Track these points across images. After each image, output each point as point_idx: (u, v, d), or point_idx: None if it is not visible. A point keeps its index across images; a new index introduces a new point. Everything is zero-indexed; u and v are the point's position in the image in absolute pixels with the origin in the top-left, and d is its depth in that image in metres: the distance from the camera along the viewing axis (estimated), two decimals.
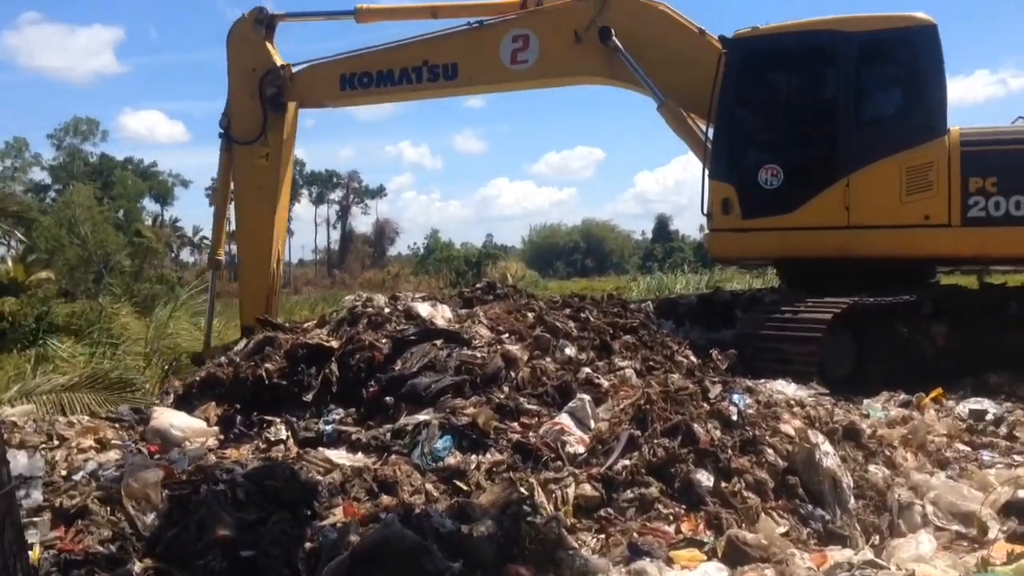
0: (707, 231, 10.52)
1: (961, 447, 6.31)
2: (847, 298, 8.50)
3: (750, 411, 5.72)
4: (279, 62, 11.46)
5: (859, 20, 9.74)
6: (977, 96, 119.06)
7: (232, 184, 11.81)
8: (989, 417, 6.99)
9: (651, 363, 7.02)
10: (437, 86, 11.25)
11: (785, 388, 6.86)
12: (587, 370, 6.40)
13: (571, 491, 4.80)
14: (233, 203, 12.01)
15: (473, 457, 5.17)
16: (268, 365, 6.53)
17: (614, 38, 10.34)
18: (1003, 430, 6.68)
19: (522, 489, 4.71)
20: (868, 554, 4.49)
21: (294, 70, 11.52)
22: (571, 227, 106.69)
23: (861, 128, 9.60)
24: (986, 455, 6.14)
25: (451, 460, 5.14)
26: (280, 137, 11.53)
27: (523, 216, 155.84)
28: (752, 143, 10.14)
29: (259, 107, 11.37)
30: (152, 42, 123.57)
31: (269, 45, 11.60)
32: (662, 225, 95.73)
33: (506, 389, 6.02)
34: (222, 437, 5.96)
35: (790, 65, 10.17)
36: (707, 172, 10.09)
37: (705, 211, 10.15)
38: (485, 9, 11.18)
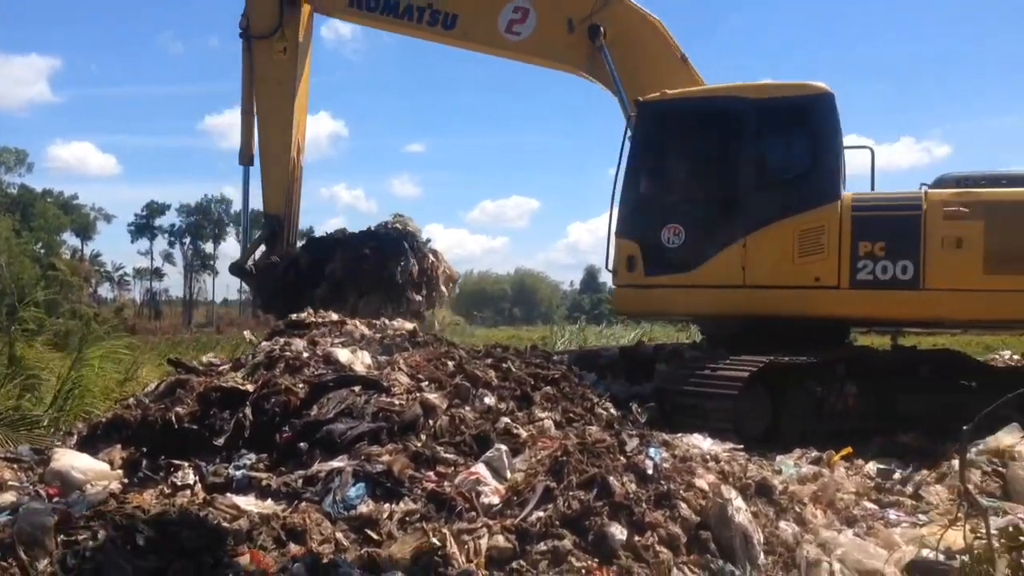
0: (612, 286, 10.79)
1: (869, 505, 6.42)
2: (764, 357, 8.68)
3: (666, 465, 5.75)
4: None
5: (761, 87, 10.28)
6: (901, 162, 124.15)
7: (255, 81, 12.15)
8: (896, 476, 7.16)
9: (571, 415, 7.03)
10: (433, 32, 11.70)
11: (701, 442, 6.94)
12: (506, 420, 6.35)
13: (484, 542, 4.74)
14: (255, 98, 12.25)
15: (386, 506, 5.08)
16: (179, 408, 6.34)
17: (601, 38, 10.84)
18: (909, 489, 6.83)
19: (434, 539, 4.64)
20: None
21: None
22: (502, 275, 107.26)
23: (758, 191, 9.91)
24: (892, 514, 6.26)
25: (363, 508, 5.05)
26: (296, 32, 11.92)
27: (455, 263, 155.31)
28: (656, 202, 10.41)
29: (276, 3, 11.74)
30: (90, 74, 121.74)
31: None
32: (591, 276, 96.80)
33: (423, 437, 5.94)
34: (126, 481, 5.76)
35: (694, 128, 10.52)
36: (613, 228, 10.43)
37: (610, 267, 10.55)
38: None
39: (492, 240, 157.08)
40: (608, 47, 10.89)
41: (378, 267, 11.86)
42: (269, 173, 12.35)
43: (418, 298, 12.16)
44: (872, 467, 7.39)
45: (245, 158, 12.58)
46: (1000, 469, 6.94)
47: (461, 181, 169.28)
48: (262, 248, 12.76)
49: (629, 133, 10.48)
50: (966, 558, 4.56)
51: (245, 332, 8.31)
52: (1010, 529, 4.59)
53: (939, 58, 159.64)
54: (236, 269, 12.91)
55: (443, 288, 12.61)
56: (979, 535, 4.43)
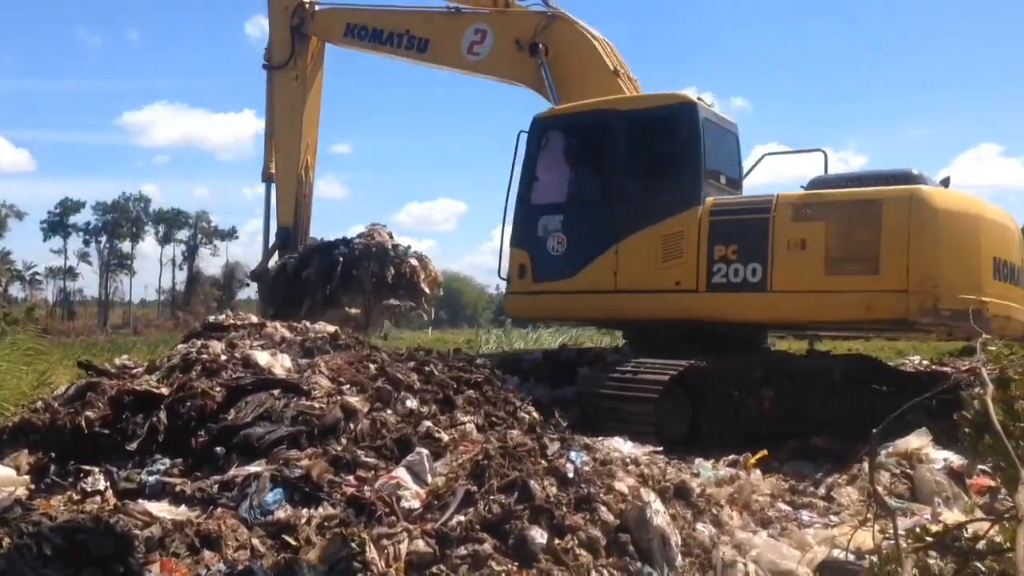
0: (505, 293, 11.56)
1: (783, 507, 6.57)
2: (683, 361, 8.81)
3: (586, 468, 5.79)
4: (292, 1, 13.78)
5: (632, 99, 10.77)
6: (818, 172, 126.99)
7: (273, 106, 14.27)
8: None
9: (493, 419, 7.03)
10: (410, 55, 13.07)
11: (622, 446, 7.00)
12: (428, 424, 6.32)
13: (404, 547, 4.71)
14: (274, 123, 14.38)
15: (304, 511, 5.01)
16: (89, 412, 6.13)
17: (540, 55, 11.52)
18: (822, 491, 7.01)
19: (353, 545, 4.60)
20: None
21: (317, 8, 13.88)
22: None
23: (628, 199, 10.25)
24: (805, 515, 6.41)
25: (281, 514, 4.97)
26: (306, 61, 13.92)
27: None
28: (544, 213, 10.89)
29: (290, 37, 13.77)
30: (3, 66, 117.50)
31: None
32: None
33: (344, 441, 5.87)
34: (33, 487, 5.55)
35: (575, 141, 11.06)
36: (507, 239, 11.13)
37: (503, 276, 11.31)
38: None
39: (419, 243, 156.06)
40: (549, 64, 11.46)
41: (346, 273, 13.08)
42: (281, 189, 14.16)
43: (394, 301, 13.21)
44: (787, 469, 7.56)
45: (266, 175, 14.45)
46: (908, 471, 7.16)
47: (387, 183, 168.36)
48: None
49: (522, 147, 11.01)
50: (875, 558, 4.68)
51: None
52: (917, 530, 4.71)
53: (857, 71, 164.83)
54: (254, 276, 14.67)
55: (427, 290, 13.74)
56: (887, 535, 4.55)
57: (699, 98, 10.24)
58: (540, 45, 11.51)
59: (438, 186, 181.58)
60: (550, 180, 11.07)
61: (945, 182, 9.97)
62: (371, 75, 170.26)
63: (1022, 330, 9.54)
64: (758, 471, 7.44)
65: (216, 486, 5.29)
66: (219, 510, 4.99)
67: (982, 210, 9.24)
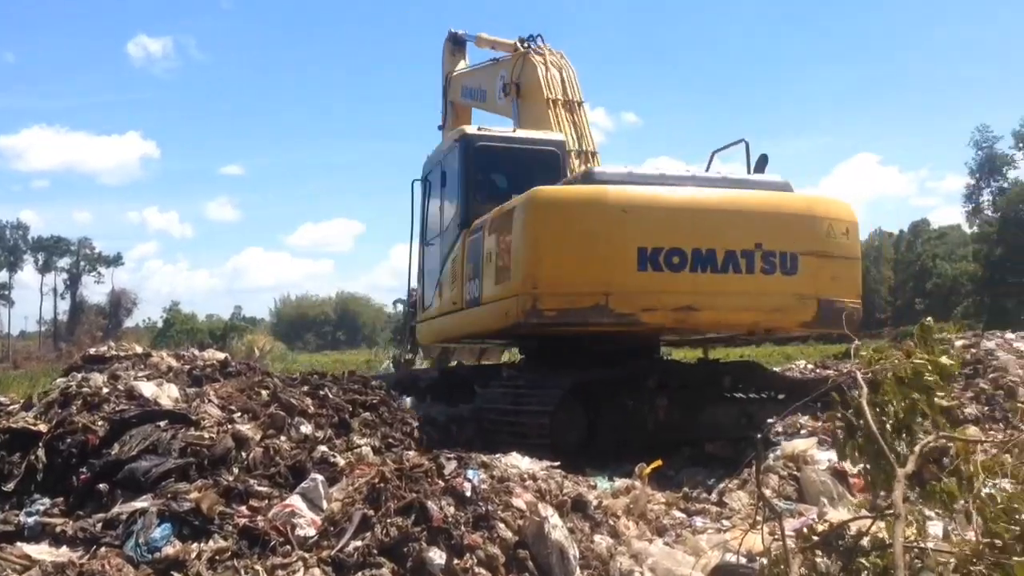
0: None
1: (677, 514, 6.69)
2: (577, 373, 8.91)
3: (484, 486, 5.78)
4: (448, 70, 16.22)
5: (448, 137, 12.09)
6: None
7: None
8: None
9: (390, 440, 6.98)
10: (480, 105, 15.16)
11: (519, 461, 7.01)
12: (323, 448, 6.24)
13: None
14: None
15: (194, 546, 4.85)
16: None
17: (512, 93, 13.07)
18: (714, 497, 7.18)
19: None
20: None
21: (453, 75, 16.17)
22: (324, 299, 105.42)
23: (446, 232, 11.29)
24: (699, 521, 6.55)
25: (169, 550, 4.79)
26: (454, 120, 15.95)
27: (276, 288, 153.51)
28: (423, 252, 12.45)
29: (444, 102, 16.46)
30: None
31: (456, 56, 16.37)
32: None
33: (235, 471, 5.73)
34: None
35: (436, 182, 11.91)
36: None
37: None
38: (506, 46, 14.40)
39: (316, 263, 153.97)
40: (520, 100, 12.94)
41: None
42: None
43: None
44: (681, 477, 7.70)
45: None
46: (795, 473, 7.40)
47: (282, 203, 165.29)
48: None
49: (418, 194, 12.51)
50: (765, 560, 4.81)
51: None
52: (804, 530, 4.88)
53: (740, 87, 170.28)
54: None
55: None
56: (776, 537, 4.69)
57: (480, 128, 11.24)
58: (512, 84, 13.07)
59: (334, 206, 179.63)
60: (430, 220, 12.23)
61: (760, 162, 10.18)
62: (258, 92, 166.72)
63: (732, 323, 9.27)
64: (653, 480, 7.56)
65: (99, 524, 5.08)
66: (103, 550, 4.80)
67: (624, 200, 8.66)
